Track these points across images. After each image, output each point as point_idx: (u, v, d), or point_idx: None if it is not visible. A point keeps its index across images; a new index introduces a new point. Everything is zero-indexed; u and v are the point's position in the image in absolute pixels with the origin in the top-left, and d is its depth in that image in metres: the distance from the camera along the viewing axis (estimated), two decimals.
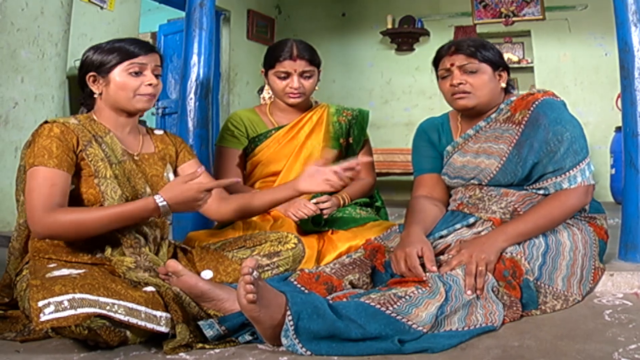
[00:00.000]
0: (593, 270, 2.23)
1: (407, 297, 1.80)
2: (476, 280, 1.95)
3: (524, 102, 2.28)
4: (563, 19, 6.66)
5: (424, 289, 1.84)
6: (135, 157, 2.12)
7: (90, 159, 1.98)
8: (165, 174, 2.18)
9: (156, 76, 2.10)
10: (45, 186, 1.88)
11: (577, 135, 2.18)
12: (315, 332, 1.65)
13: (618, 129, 5.52)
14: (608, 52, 6.35)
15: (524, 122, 2.24)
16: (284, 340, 1.64)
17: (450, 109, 2.48)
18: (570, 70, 6.62)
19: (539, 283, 2.05)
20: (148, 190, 2.09)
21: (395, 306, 1.76)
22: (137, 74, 2.06)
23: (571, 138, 2.16)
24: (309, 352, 1.64)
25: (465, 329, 1.81)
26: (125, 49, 2.06)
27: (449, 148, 2.43)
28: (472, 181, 2.35)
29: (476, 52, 2.28)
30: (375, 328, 1.68)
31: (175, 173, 2.25)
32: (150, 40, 7.99)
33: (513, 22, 6.82)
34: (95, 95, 2.11)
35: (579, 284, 2.15)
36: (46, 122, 2.02)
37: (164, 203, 1.91)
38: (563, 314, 2.03)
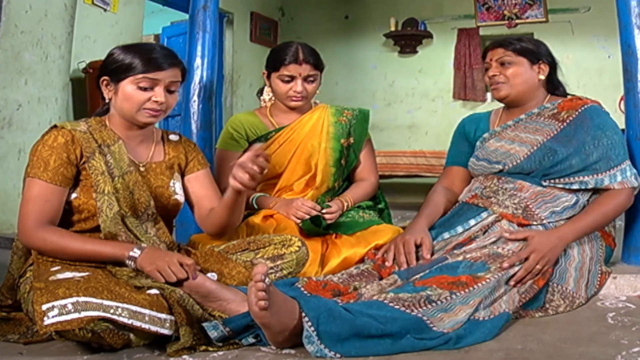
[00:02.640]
0: (599, 275, 2.24)
1: (439, 302, 1.82)
2: (528, 274, 2.03)
3: (572, 104, 2.35)
4: (566, 21, 6.66)
5: (458, 294, 1.86)
6: (141, 168, 2.11)
7: (91, 172, 1.98)
8: (171, 183, 2.16)
9: (171, 92, 2.07)
10: (39, 202, 1.92)
11: (615, 142, 2.26)
12: (337, 334, 1.65)
13: (621, 132, 5.51)
14: (611, 55, 6.34)
15: (567, 121, 2.32)
16: (309, 347, 1.63)
17: (492, 107, 2.61)
18: (573, 72, 6.60)
19: (548, 281, 2.07)
20: (152, 202, 2.08)
21: (424, 308, 1.79)
22: (147, 89, 2.02)
23: (607, 144, 2.24)
24: (338, 355, 1.64)
25: (491, 317, 1.85)
26: (143, 61, 2.01)
27: (485, 135, 2.50)
28: (496, 165, 2.40)
29: (512, 46, 2.39)
30: (396, 326, 1.70)
31: (183, 181, 2.23)
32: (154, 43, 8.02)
33: (516, 24, 6.82)
34: (107, 100, 2.09)
35: (586, 287, 2.15)
36: (55, 126, 2.02)
37: (132, 264, 1.89)
38: (566, 316, 2.03)
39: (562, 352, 1.67)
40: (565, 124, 2.31)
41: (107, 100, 2.09)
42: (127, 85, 2.02)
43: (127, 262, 1.89)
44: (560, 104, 2.37)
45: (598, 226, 2.24)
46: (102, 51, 4.87)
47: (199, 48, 2.96)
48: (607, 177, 2.22)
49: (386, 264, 2.19)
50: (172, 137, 2.28)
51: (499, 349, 1.71)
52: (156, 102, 2.02)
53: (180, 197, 2.19)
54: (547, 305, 2.04)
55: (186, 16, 3.32)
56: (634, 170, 2.26)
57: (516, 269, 2.02)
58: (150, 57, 2.02)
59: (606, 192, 2.24)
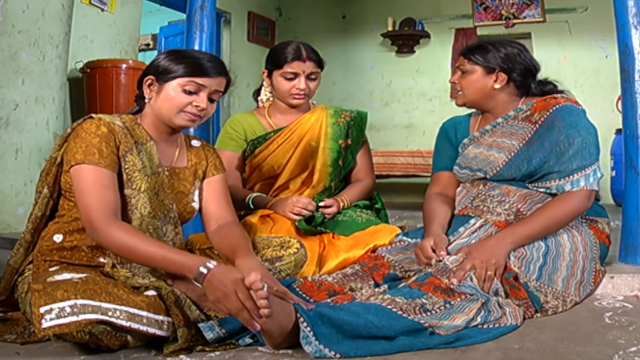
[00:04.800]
0: (594, 273, 2.23)
1: (433, 311, 1.83)
2: (484, 284, 2.01)
3: (544, 104, 2.32)
4: (563, 21, 6.66)
5: (452, 303, 1.88)
6: (166, 172, 2.08)
7: (127, 167, 1.94)
8: (192, 190, 2.15)
9: (212, 100, 2.06)
10: (97, 189, 1.84)
11: (589, 142, 2.22)
12: (329, 336, 1.65)
13: (618, 131, 5.51)
14: (608, 55, 6.35)
15: (539, 122, 2.29)
16: (307, 348, 1.62)
17: (470, 110, 2.60)
18: (571, 72, 6.62)
19: (539, 283, 2.06)
20: (174, 207, 2.06)
21: (419, 316, 1.79)
22: (191, 93, 2.01)
23: (582, 143, 2.20)
24: (338, 355, 1.63)
25: (496, 325, 1.85)
26: (193, 65, 2.01)
27: (465, 141, 2.50)
28: (478, 173, 2.40)
29: (469, 55, 2.41)
30: (392, 330, 1.71)
31: (201, 186, 2.19)
32: (151, 42, 8.02)
33: (513, 24, 6.82)
34: (146, 100, 2.08)
35: (578, 285, 2.15)
36: (91, 116, 1.98)
37: (199, 285, 1.78)
38: (563, 316, 2.03)
39: (559, 352, 1.67)
40: (537, 125, 2.29)
41: (146, 100, 2.08)
42: (172, 87, 2.01)
43: (193, 278, 1.78)
44: (533, 105, 2.35)
45: (555, 227, 2.18)
46: (99, 51, 4.90)
47: (196, 48, 2.95)
48: (582, 177, 2.19)
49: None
50: (194, 142, 2.26)
51: (497, 348, 1.71)
52: (197, 106, 2.01)
53: (196, 204, 2.17)
54: (546, 307, 2.05)
55: (183, 16, 3.32)
56: (598, 175, 2.22)
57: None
58: (200, 62, 2.02)
59: (566, 193, 2.21)
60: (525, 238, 2.14)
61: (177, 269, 1.81)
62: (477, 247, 2.13)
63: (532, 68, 2.41)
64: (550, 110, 2.28)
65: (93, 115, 1.99)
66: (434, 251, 2.15)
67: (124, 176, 1.94)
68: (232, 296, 1.64)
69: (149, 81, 2.05)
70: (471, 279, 1.99)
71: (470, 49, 2.43)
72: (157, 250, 1.82)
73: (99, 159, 1.87)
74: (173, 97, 2.00)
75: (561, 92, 2.42)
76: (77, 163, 1.87)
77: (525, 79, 2.39)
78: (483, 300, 1.90)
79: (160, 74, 2.03)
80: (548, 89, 2.43)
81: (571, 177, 2.20)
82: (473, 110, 2.57)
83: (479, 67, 2.38)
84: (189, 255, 1.84)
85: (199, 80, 2.01)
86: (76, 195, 1.89)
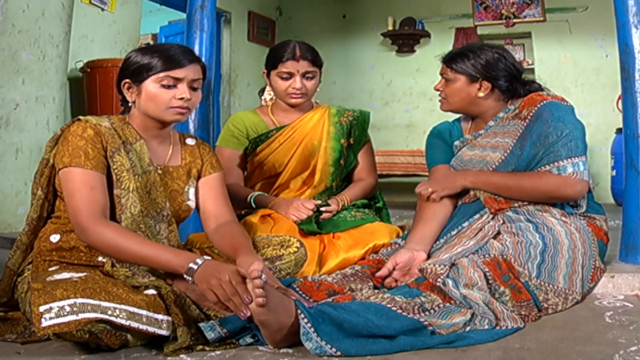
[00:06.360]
0: (592, 270, 2.23)
1: (432, 310, 1.83)
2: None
3: (532, 101, 2.34)
4: (564, 20, 6.66)
5: (450, 303, 1.88)
6: (159, 171, 2.09)
7: (115, 167, 1.96)
8: (186, 188, 2.16)
9: (194, 89, 2.06)
10: (85, 191, 1.87)
11: (576, 136, 2.24)
12: (330, 333, 1.65)
13: (619, 131, 5.51)
14: (609, 54, 6.35)
15: (529, 117, 2.31)
16: (308, 344, 1.62)
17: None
18: (571, 71, 6.62)
19: (539, 282, 2.05)
20: (167, 205, 2.07)
21: (418, 315, 1.79)
22: (170, 87, 2.02)
23: (569, 135, 2.23)
24: (338, 353, 1.63)
25: (497, 328, 1.84)
26: (163, 59, 2.01)
27: (457, 143, 2.52)
28: None
29: (451, 63, 2.42)
30: (392, 329, 1.71)
31: (197, 185, 2.21)
32: (151, 42, 8.02)
33: (514, 23, 6.83)
34: (130, 103, 2.09)
35: (580, 282, 2.15)
36: (79, 119, 2.00)
37: (190, 279, 1.80)
38: (564, 315, 2.03)
39: (559, 351, 1.67)
40: (527, 120, 2.31)
41: (130, 103, 2.09)
42: (150, 85, 2.01)
43: (185, 275, 1.81)
44: (521, 104, 2.37)
45: (517, 192, 2.27)
46: (99, 51, 4.90)
47: (197, 47, 2.95)
48: (569, 164, 2.21)
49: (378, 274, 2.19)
50: (189, 141, 2.27)
51: (497, 347, 1.71)
52: (181, 98, 2.01)
53: (192, 203, 2.17)
54: (546, 305, 2.04)
55: (184, 15, 3.31)
56: (587, 168, 2.24)
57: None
58: (170, 54, 2.02)
59: (547, 172, 2.23)
60: (485, 183, 2.31)
61: (165, 267, 1.85)
62: (444, 174, 2.41)
63: (516, 72, 2.42)
64: (538, 105, 2.30)
65: (81, 117, 2.01)
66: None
67: (113, 176, 1.95)
68: (226, 283, 1.68)
69: (126, 85, 2.07)
70: (457, 286, 1.97)
71: (452, 57, 2.44)
72: (145, 249, 1.86)
73: (85, 161, 1.90)
74: (155, 94, 2.01)
75: (545, 90, 2.44)
76: (64, 166, 1.90)
77: (511, 84, 2.41)
78: (472, 311, 1.89)
79: (134, 76, 2.04)
80: (534, 88, 2.44)
81: (558, 163, 2.21)
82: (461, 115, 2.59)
83: (462, 75, 2.39)
84: (178, 253, 1.87)
85: (173, 73, 2.01)
86: (65, 197, 1.92)
